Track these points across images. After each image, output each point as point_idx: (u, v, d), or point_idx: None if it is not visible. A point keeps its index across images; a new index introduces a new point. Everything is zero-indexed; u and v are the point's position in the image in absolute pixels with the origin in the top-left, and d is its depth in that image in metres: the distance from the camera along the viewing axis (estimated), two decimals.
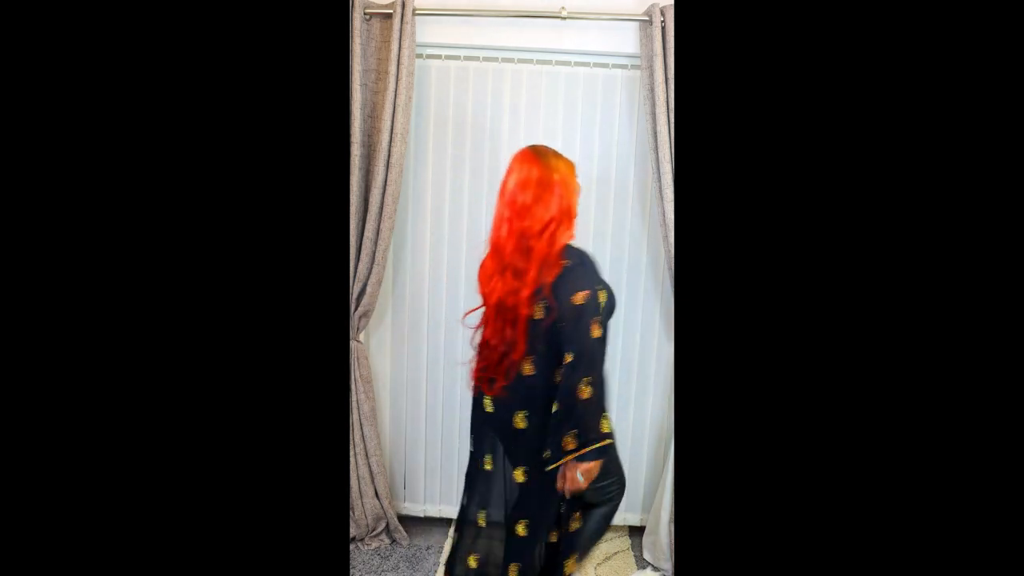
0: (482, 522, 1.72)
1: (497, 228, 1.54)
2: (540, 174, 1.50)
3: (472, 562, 1.72)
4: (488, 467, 1.69)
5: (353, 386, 2.12)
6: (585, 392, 1.43)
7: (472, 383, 1.67)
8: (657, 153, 1.96)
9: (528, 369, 1.52)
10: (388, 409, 2.30)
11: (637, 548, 2.23)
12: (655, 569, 2.11)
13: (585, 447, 1.45)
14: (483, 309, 1.61)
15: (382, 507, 2.20)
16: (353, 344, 2.11)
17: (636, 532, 2.30)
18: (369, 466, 2.17)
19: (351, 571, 2.05)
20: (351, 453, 2.15)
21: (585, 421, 1.44)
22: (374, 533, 2.19)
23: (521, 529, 1.65)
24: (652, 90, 1.95)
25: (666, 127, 1.93)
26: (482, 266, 1.60)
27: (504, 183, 1.54)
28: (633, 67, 2.08)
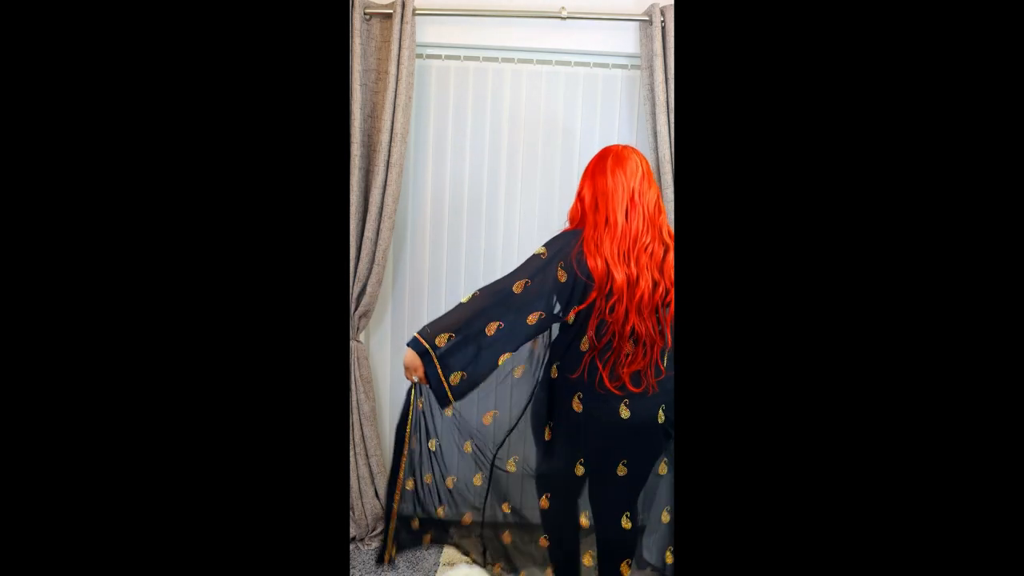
0: (586, 522, 1.69)
1: (632, 216, 1.45)
2: (650, 169, 1.53)
3: (588, 560, 1.70)
4: (579, 472, 1.60)
5: (353, 386, 2.12)
6: None
7: (606, 386, 1.47)
8: (657, 153, 1.96)
9: (665, 359, 1.52)
10: (388, 409, 2.30)
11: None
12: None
13: None
14: (595, 301, 1.44)
15: (382, 507, 2.20)
16: (353, 344, 2.11)
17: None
18: (369, 466, 2.17)
19: (351, 571, 2.05)
20: (351, 453, 2.15)
21: None
22: (374, 533, 2.19)
23: (626, 521, 1.63)
24: (652, 90, 1.95)
25: (666, 127, 1.93)
26: (596, 254, 1.43)
27: (613, 167, 1.48)
28: (633, 67, 2.08)
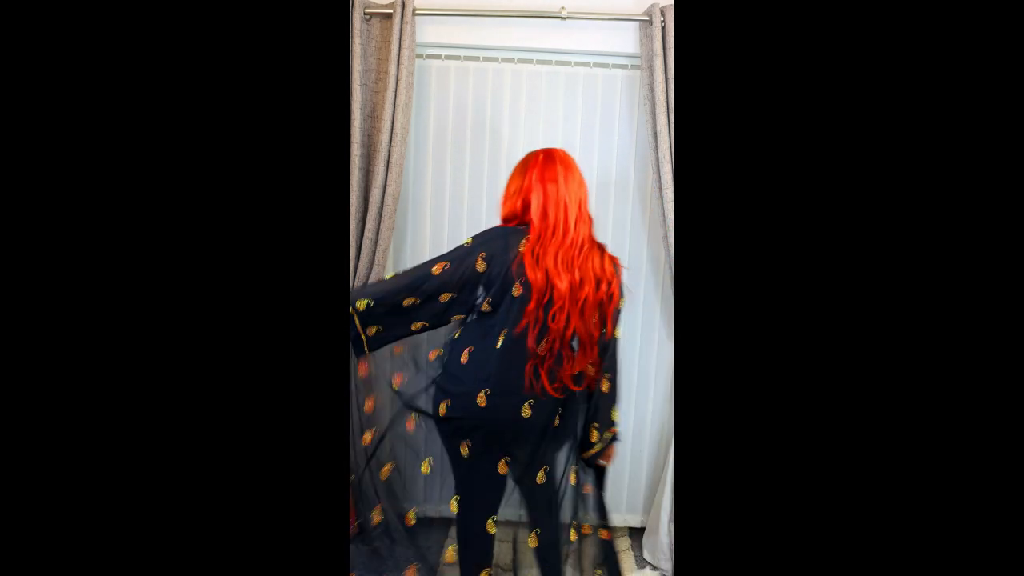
0: (492, 529, 1.68)
1: (579, 225, 1.51)
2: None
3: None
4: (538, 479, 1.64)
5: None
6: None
7: (547, 391, 1.52)
8: (657, 153, 1.96)
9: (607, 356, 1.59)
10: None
11: (637, 548, 2.23)
12: (655, 569, 2.11)
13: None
14: (535, 304, 1.47)
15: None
16: None
17: (636, 532, 2.30)
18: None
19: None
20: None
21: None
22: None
23: (533, 540, 1.66)
24: (652, 90, 1.95)
25: (666, 127, 1.93)
26: (537, 266, 1.47)
27: (565, 176, 1.54)
28: (633, 67, 2.08)
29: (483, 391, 1.52)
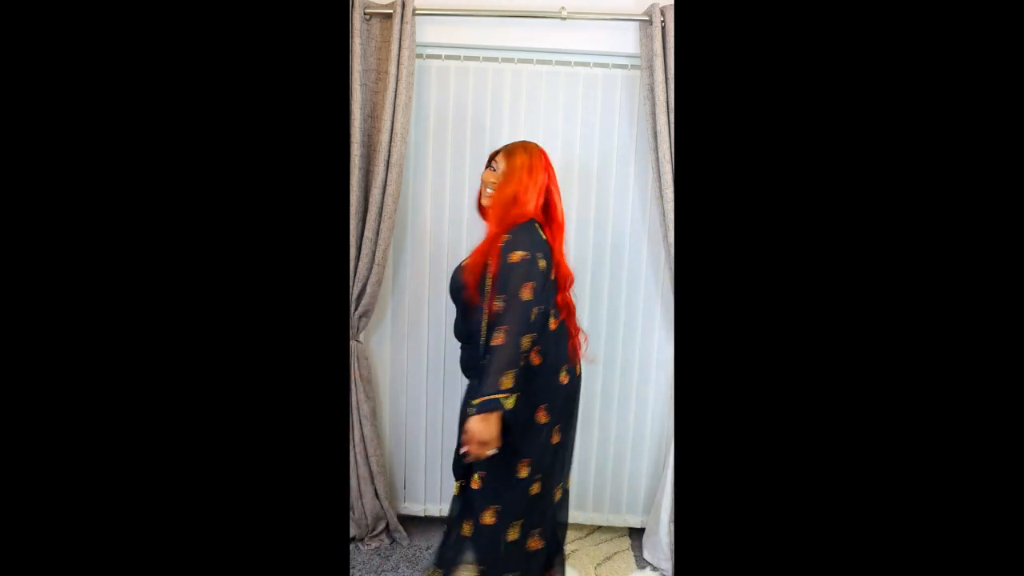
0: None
1: (560, 210, 1.67)
2: None
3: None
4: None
5: (353, 386, 2.12)
6: None
7: (580, 360, 1.71)
8: (657, 153, 1.96)
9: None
10: (388, 409, 2.30)
11: (637, 548, 2.23)
12: (655, 569, 2.11)
13: None
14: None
15: (382, 507, 2.20)
16: (353, 344, 2.11)
17: (636, 533, 2.30)
18: (369, 466, 2.17)
19: (351, 571, 2.05)
20: (351, 453, 2.15)
21: None
22: (374, 533, 2.19)
23: (560, 491, 1.74)
24: (652, 90, 1.95)
25: (666, 127, 1.93)
26: (561, 259, 1.65)
27: (551, 172, 1.66)
28: (633, 67, 2.08)
29: (564, 369, 1.62)
